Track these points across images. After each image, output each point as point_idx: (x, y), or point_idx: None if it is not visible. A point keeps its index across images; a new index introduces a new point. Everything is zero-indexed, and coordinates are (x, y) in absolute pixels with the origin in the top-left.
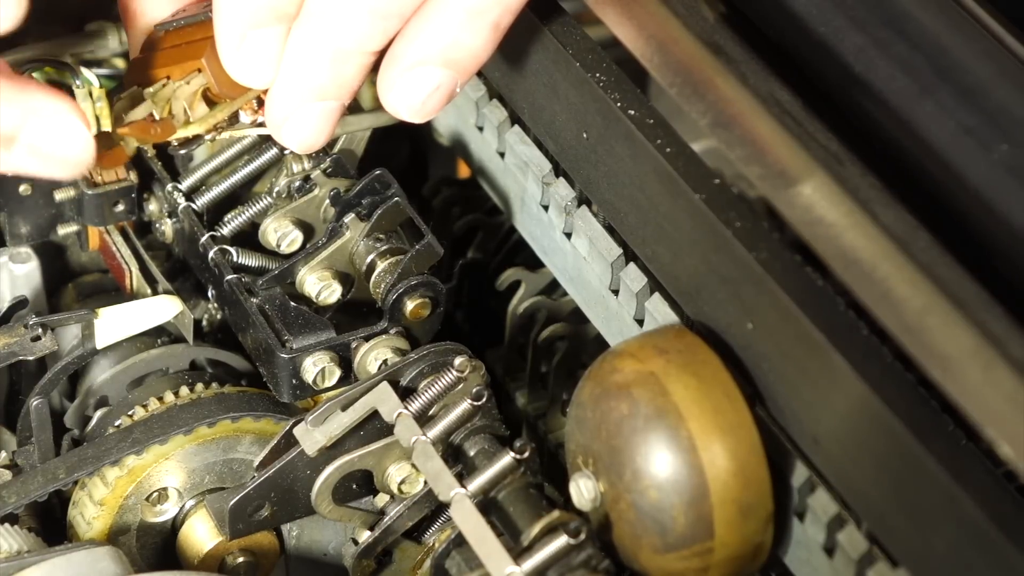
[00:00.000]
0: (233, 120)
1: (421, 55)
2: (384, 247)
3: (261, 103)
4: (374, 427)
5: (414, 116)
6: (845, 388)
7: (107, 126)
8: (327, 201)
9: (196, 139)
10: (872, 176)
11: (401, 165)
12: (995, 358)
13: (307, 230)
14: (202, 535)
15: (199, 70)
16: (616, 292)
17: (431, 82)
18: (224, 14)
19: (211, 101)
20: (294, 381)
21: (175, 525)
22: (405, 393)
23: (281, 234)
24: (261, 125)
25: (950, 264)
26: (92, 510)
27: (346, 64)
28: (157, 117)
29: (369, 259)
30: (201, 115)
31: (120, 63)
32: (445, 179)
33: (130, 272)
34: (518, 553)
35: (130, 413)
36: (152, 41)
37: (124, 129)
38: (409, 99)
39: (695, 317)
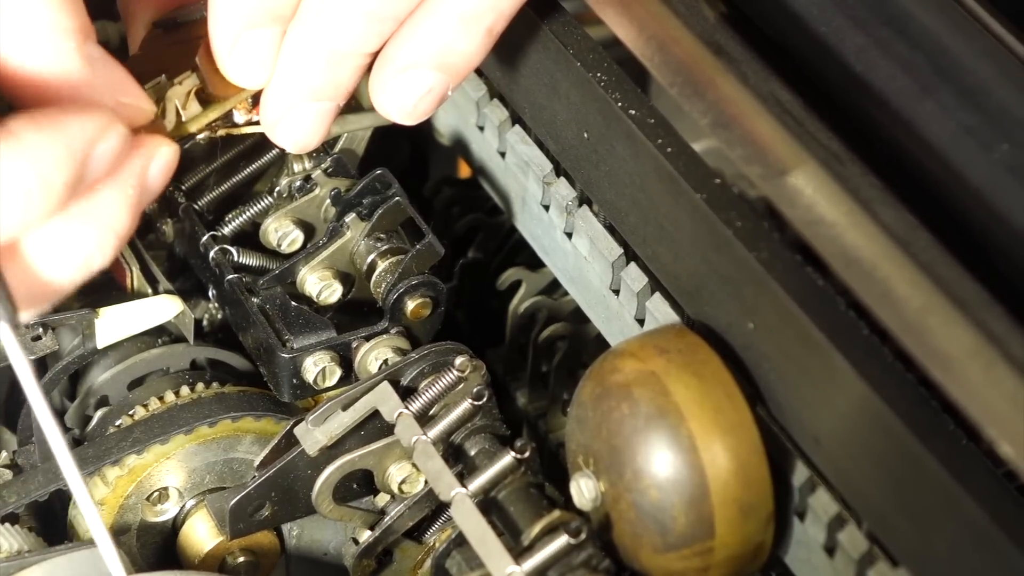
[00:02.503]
0: (226, 119)
1: (413, 58)
2: (385, 247)
3: (255, 102)
4: (375, 427)
5: (405, 118)
6: (845, 388)
7: None
8: (328, 201)
9: (188, 138)
10: (872, 176)
11: (402, 165)
12: (995, 358)
13: (308, 230)
14: (203, 535)
15: (192, 70)
16: (617, 292)
17: (423, 85)
18: (219, 14)
19: (204, 100)
20: (295, 381)
21: (176, 525)
22: (406, 393)
23: (282, 234)
24: (255, 124)
25: (950, 264)
26: None
27: (342, 65)
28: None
29: (370, 259)
30: (194, 115)
31: None
32: (446, 179)
33: (130, 272)
34: (519, 553)
35: (131, 413)
36: (151, 39)
37: None
38: (400, 101)
39: (696, 317)
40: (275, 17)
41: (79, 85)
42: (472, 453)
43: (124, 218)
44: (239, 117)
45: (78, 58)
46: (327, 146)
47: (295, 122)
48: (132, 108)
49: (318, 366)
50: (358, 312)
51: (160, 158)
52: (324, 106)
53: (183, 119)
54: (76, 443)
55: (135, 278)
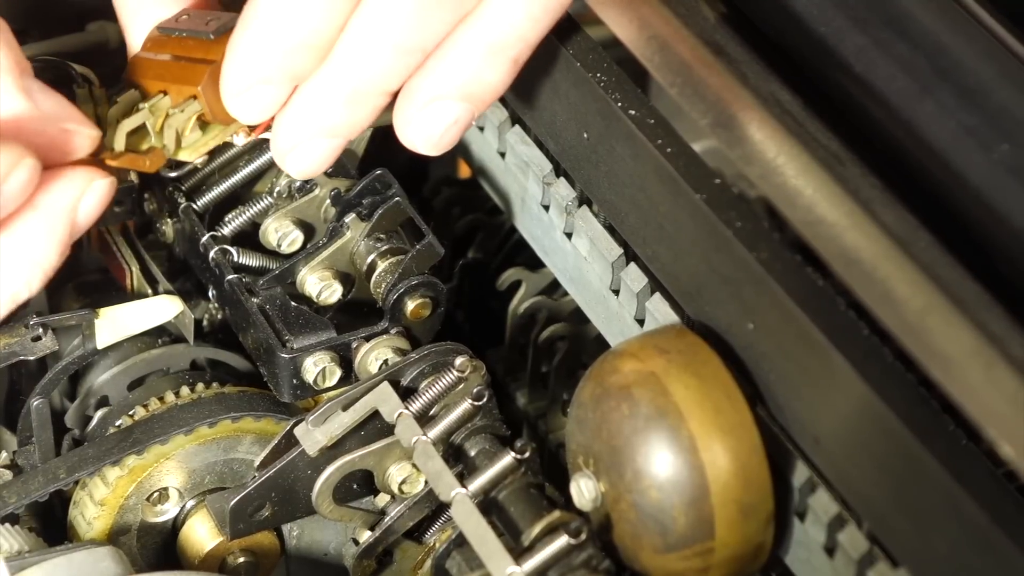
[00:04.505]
0: (227, 145)
1: (439, 90)
2: (385, 247)
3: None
4: (375, 427)
5: (431, 150)
6: (846, 388)
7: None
8: (328, 201)
9: (187, 163)
10: (872, 176)
11: (402, 165)
12: (995, 358)
13: (308, 230)
14: (203, 535)
15: (195, 97)
16: (617, 292)
17: (449, 116)
18: (235, 65)
19: (204, 122)
20: (295, 381)
21: (176, 525)
22: (406, 393)
23: (282, 234)
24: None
25: (950, 264)
26: (93, 510)
27: (362, 106)
28: (152, 128)
29: (370, 259)
30: (194, 140)
31: None
32: (446, 179)
33: (130, 272)
34: (519, 553)
35: (131, 413)
36: (153, 41)
37: (113, 162)
38: (426, 133)
39: (696, 317)
40: (293, 77)
41: (22, 116)
42: (472, 453)
43: (51, 253)
44: (240, 140)
45: (17, 91)
46: None
47: (306, 154)
48: (76, 135)
49: (318, 366)
50: (358, 312)
51: (93, 192)
52: (337, 142)
53: (183, 145)
54: (76, 443)
55: (135, 278)
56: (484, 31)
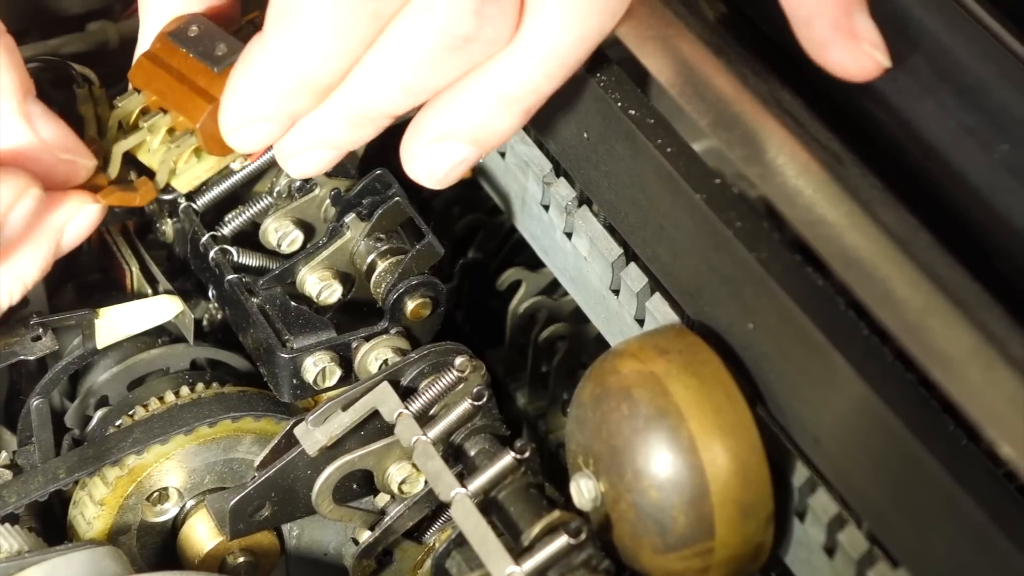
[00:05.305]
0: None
1: (447, 129)
2: (385, 247)
3: None
4: (375, 427)
5: (434, 185)
6: (845, 388)
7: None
8: (328, 201)
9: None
10: (872, 176)
11: (402, 165)
12: (995, 358)
13: (308, 230)
14: (203, 535)
15: (192, 132)
16: (617, 292)
17: (455, 157)
18: (236, 100)
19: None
20: (295, 381)
21: (175, 525)
22: (406, 393)
23: (282, 234)
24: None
25: (950, 264)
26: (92, 510)
27: (366, 127)
28: (152, 144)
29: (370, 259)
30: (189, 169)
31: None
32: None
33: (130, 272)
34: (519, 553)
35: (130, 413)
36: (163, 44)
37: (105, 199)
38: (431, 169)
39: (696, 317)
40: (291, 116)
41: (19, 142)
42: (472, 453)
43: (35, 271)
44: (236, 165)
45: (19, 117)
46: None
47: (307, 160)
48: (73, 164)
49: (318, 366)
50: (358, 312)
51: (81, 217)
52: (339, 152)
53: (177, 173)
54: (76, 443)
55: (135, 278)
56: (498, 82)
